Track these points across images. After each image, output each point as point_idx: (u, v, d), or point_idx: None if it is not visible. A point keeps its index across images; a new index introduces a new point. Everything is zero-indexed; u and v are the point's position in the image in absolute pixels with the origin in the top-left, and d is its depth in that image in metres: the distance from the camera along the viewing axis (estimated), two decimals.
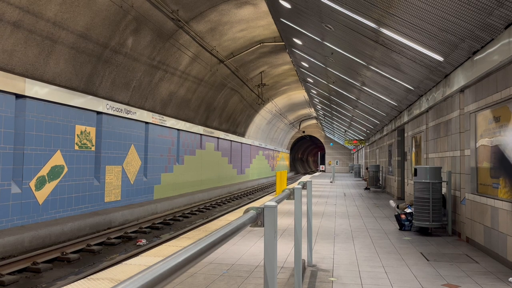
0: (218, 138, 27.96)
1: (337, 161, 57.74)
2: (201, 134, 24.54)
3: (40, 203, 11.55)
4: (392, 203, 14.47)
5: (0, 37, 10.12)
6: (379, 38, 8.61)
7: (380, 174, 21.56)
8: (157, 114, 18.37)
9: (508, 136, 5.69)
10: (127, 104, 16.17)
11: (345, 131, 37.62)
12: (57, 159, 12.20)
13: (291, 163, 73.35)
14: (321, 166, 62.90)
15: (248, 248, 6.65)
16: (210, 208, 19.15)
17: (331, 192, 19.18)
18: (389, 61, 9.66)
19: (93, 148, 13.89)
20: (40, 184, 11.57)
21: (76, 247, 9.91)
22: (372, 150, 27.53)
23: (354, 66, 12.55)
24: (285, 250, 6.52)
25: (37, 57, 11.35)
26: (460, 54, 6.86)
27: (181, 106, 21.12)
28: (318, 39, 12.41)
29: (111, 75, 14.59)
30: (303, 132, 61.26)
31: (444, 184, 8.87)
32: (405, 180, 14.29)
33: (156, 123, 18.25)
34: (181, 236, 7.60)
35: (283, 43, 20.64)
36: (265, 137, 45.09)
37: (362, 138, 32.91)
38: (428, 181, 8.06)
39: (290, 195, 3.96)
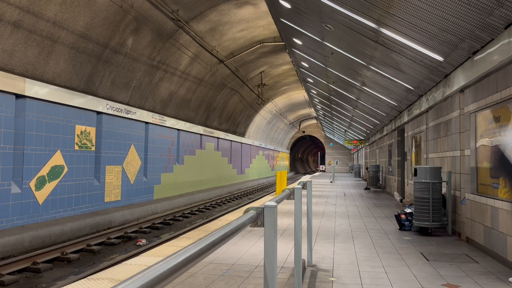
0: (218, 138, 27.96)
1: (337, 161, 57.74)
2: (201, 134, 24.55)
3: (40, 203, 11.55)
4: (397, 195, 14.49)
5: (0, 37, 10.12)
6: (379, 38, 8.61)
7: (380, 174, 21.56)
8: (157, 114, 18.37)
9: (508, 136, 5.69)
10: (127, 104, 16.17)
11: (345, 131, 37.62)
12: (57, 159, 12.20)
13: (291, 163, 73.36)
14: (321, 166, 62.90)
15: (248, 248, 6.65)
16: (210, 208, 19.15)
17: (331, 192, 19.18)
18: (389, 61, 9.66)
19: (93, 148, 13.89)
20: (40, 184, 11.57)
21: (76, 247, 9.91)
22: (372, 150, 27.53)
23: (354, 66, 12.55)
24: (285, 250, 6.52)
25: (37, 57, 11.35)
26: (460, 54, 6.86)
27: (181, 106, 21.12)
28: (318, 39, 12.42)
29: (111, 75, 14.59)
30: (303, 132, 61.27)
31: (444, 184, 8.87)
32: (405, 180, 14.29)
33: (156, 123, 18.25)
34: (181, 236, 7.60)
35: (283, 43, 20.64)
36: (265, 137, 45.09)
37: (362, 138, 32.90)
38: (428, 181, 8.05)
39: (290, 195, 3.96)
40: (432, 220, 8.01)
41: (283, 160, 59.97)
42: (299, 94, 39.78)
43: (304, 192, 16.18)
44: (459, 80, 7.42)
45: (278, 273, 5.11)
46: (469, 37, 6.05)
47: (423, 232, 8.40)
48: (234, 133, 32.64)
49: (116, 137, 15.28)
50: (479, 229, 6.81)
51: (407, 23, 6.88)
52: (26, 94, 10.91)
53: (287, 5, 11.62)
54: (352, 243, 7.27)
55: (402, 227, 8.79)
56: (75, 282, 4.63)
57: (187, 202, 19.62)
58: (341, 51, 11.83)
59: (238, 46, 22.41)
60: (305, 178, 34.28)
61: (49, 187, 11.92)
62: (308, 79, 23.11)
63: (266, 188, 33.60)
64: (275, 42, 23.05)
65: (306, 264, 5.67)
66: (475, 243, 7.02)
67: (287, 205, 12.90)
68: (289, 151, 65.60)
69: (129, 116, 15.90)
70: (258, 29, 21.16)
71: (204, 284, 4.71)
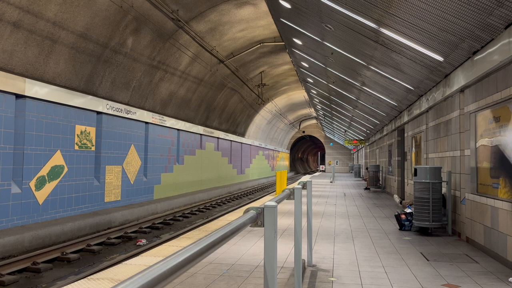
0: (218, 138, 27.96)
1: (337, 161, 57.74)
2: (201, 134, 24.55)
3: (40, 203, 11.55)
4: (397, 197, 14.51)
5: (0, 37, 10.12)
6: (379, 38, 8.61)
7: (380, 174, 21.56)
8: (157, 114, 18.37)
9: (508, 136, 5.69)
10: (127, 104, 16.17)
11: (345, 131, 37.62)
12: (57, 159, 12.20)
13: (291, 163, 73.36)
14: (321, 166, 62.90)
15: (248, 248, 6.65)
16: (210, 208, 19.15)
17: (331, 192, 19.18)
18: (389, 61, 9.66)
19: (93, 148, 13.89)
20: (40, 184, 11.57)
21: (76, 247, 9.91)
22: (372, 150, 27.53)
23: (354, 66, 12.55)
24: (285, 250, 6.52)
25: (37, 57, 11.35)
26: (460, 54, 6.86)
27: (181, 106, 21.12)
28: (318, 39, 12.42)
29: (111, 75, 14.59)
30: (303, 132, 61.27)
31: (444, 184, 8.87)
32: (405, 180, 14.29)
33: (156, 123, 18.26)
34: (181, 236, 7.60)
35: (283, 43, 20.64)
36: (265, 137, 45.09)
37: (362, 138, 32.90)
38: (428, 181, 8.05)
39: (290, 195, 3.96)
40: (432, 220, 8.01)
41: (283, 160, 59.97)
42: (299, 94, 39.77)
43: (304, 192, 16.18)
44: (459, 80, 7.42)
45: (278, 273, 5.11)
46: (469, 37, 6.05)
47: (423, 232, 8.40)
48: (234, 133, 32.64)
49: (116, 137, 15.28)
50: (479, 229, 6.81)
51: (407, 23, 6.88)
52: (26, 94, 10.91)
53: (287, 5, 11.62)
54: (352, 243, 7.27)
55: (402, 227, 8.79)
56: (75, 282, 4.63)
57: (187, 202, 19.62)
58: (341, 51, 11.83)
59: (238, 46, 22.42)
60: (305, 178, 34.28)
61: (49, 187, 11.92)
62: (308, 79, 23.11)
63: (266, 188, 33.60)
64: (275, 42, 23.05)
65: (306, 264, 5.67)
66: (475, 243, 7.02)
67: (287, 205, 12.90)
68: (289, 151, 65.60)
69: (129, 116, 15.90)
70: (258, 29, 21.16)
71: (204, 284, 4.71)
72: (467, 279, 5.08)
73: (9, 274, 7.88)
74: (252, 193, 28.24)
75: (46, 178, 11.79)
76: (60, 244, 9.94)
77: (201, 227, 8.54)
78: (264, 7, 18.48)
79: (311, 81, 22.63)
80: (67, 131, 12.62)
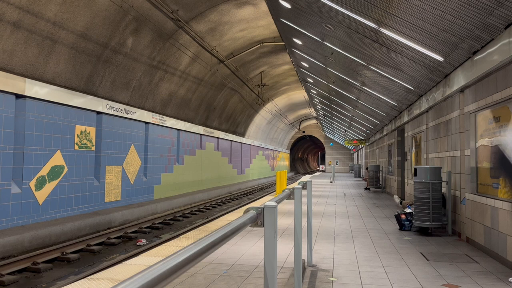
0: (218, 138, 27.96)
1: (337, 161, 57.74)
2: (201, 134, 24.55)
3: (40, 203, 11.55)
4: (397, 198, 14.52)
5: (0, 37, 10.12)
6: (379, 38, 8.61)
7: (380, 174, 21.56)
8: (157, 114, 18.37)
9: (508, 136, 5.69)
10: (127, 104, 16.17)
11: (345, 131, 37.61)
12: (57, 159, 12.20)
13: (291, 163, 73.36)
14: (321, 166, 62.90)
15: (248, 248, 6.65)
16: (210, 208, 19.15)
17: (331, 192, 19.18)
18: (389, 61, 9.66)
19: (93, 148, 13.89)
20: (40, 184, 11.57)
21: (76, 247, 9.91)
22: (372, 150, 27.53)
23: (354, 66, 12.55)
24: (285, 250, 6.52)
25: (37, 57, 11.35)
26: (460, 54, 6.86)
27: (181, 106, 21.12)
28: (318, 39, 12.42)
29: (111, 75, 14.60)
30: (303, 132, 61.27)
31: (444, 184, 8.87)
32: (405, 180, 14.29)
33: (156, 123, 18.26)
34: (181, 236, 7.60)
35: (283, 43, 20.64)
36: (265, 137, 45.09)
37: (362, 138, 32.90)
38: (428, 181, 8.05)
39: (290, 195, 3.96)
40: (432, 220, 8.01)
41: (283, 160, 59.97)
42: (299, 94, 39.77)
43: (304, 192, 16.18)
44: (459, 80, 7.42)
45: (278, 273, 5.11)
46: (469, 37, 6.05)
47: (423, 232, 8.40)
48: (234, 133, 32.64)
49: (116, 137, 15.28)
50: (479, 229, 6.81)
51: (407, 23, 6.88)
52: (26, 94, 10.91)
53: (287, 5, 11.62)
54: (352, 243, 7.27)
55: (402, 227, 8.79)
56: (75, 282, 4.63)
57: (187, 202, 19.62)
58: (341, 51, 11.83)
59: (238, 46, 22.41)
60: (305, 178, 34.29)
61: (49, 187, 11.92)
62: (308, 79, 23.11)
63: (266, 188, 33.60)
64: (275, 42, 23.05)
65: (306, 264, 5.67)
66: (475, 243, 7.02)
67: (287, 205, 12.90)
68: (289, 151, 65.60)
69: (129, 116, 15.91)
70: (258, 29, 21.16)
71: (204, 284, 4.71)
72: (467, 279, 5.08)
73: (9, 274, 7.88)
74: (252, 193, 28.24)
75: (46, 178, 11.79)
76: (60, 244, 9.94)
77: (201, 227, 8.54)
78: (264, 7, 18.48)
79: (311, 81, 22.63)
80: (67, 131, 12.62)
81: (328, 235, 8.02)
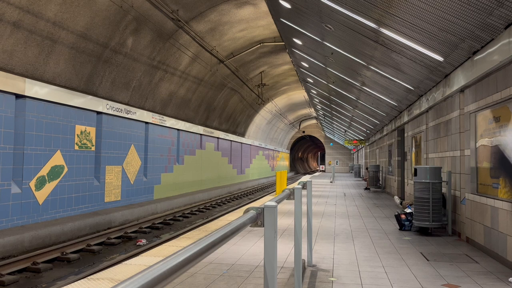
0: (218, 138, 27.96)
1: (337, 161, 57.74)
2: (201, 134, 24.55)
3: (40, 203, 11.55)
4: (397, 199, 14.52)
5: (0, 37, 10.12)
6: (379, 38, 8.61)
7: (380, 174, 21.56)
8: (157, 114, 18.37)
9: (508, 136, 5.69)
10: (127, 104, 16.17)
11: (345, 131, 37.61)
12: (57, 159, 12.20)
13: (291, 163, 73.36)
14: (321, 166, 62.90)
15: (248, 248, 6.65)
16: (210, 208, 19.15)
17: (331, 192, 19.18)
18: (389, 61, 9.66)
19: (93, 148, 13.89)
20: (40, 184, 11.57)
21: (76, 247, 9.91)
22: (372, 150, 27.53)
23: (354, 66, 12.55)
24: (285, 250, 6.52)
25: (37, 57, 11.35)
26: (460, 54, 6.86)
27: (181, 106, 21.12)
28: (318, 39, 12.42)
29: (111, 75, 14.59)
30: (303, 132, 61.26)
31: (444, 184, 8.87)
32: (405, 180, 14.30)
33: (156, 123, 18.26)
34: (181, 236, 7.60)
35: (283, 43, 20.64)
36: (265, 137, 45.09)
37: (362, 138, 32.90)
38: (428, 181, 8.05)
39: (290, 195, 3.96)
40: (432, 220, 8.01)
41: (283, 160, 59.97)
42: (299, 94, 39.77)
43: (304, 192, 16.18)
44: (459, 80, 7.42)
45: (278, 273, 5.11)
46: (469, 37, 6.05)
47: (423, 232, 8.40)
48: (234, 133, 32.64)
49: (116, 137, 15.28)
50: (479, 229, 6.81)
51: (407, 23, 6.88)
52: (26, 94, 10.91)
53: (287, 5, 11.62)
54: (352, 243, 7.27)
55: (402, 227, 8.79)
56: (75, 282, 4.63)
57: (187, 202, 19.62)
58: (341, 51, 11.83)
59: (238, 46, 22.41)
60: (305, 178, 34.29)
61: (49, 187, 11.92)
62: (308, 79, 23.11)
63: (266, 188, 33.60)
64: (275, 42, 23.05)
65: (306, 264, 5.67)
66: (475, 243, 7.02)
67: (287, 205, 12.90)
68: (289, 151, 65.61)
69: (129, 116, 15.91)
70: (258, 29, 21.16)
71: (204, 284, 4.71)
72: (467, 279, 5.08)
73: (9, 274, 7.88)
74: (252, 193, 28.24)
75: (46, 178, 11.79)
76: (60, 244, 9.94)
77: (201, 227, 8.54)
78: (264, 7, 18.48)
79: (311, 81, 22.63)
80: (67, 131, 12.62)
81: (328, 235, 8.02)
